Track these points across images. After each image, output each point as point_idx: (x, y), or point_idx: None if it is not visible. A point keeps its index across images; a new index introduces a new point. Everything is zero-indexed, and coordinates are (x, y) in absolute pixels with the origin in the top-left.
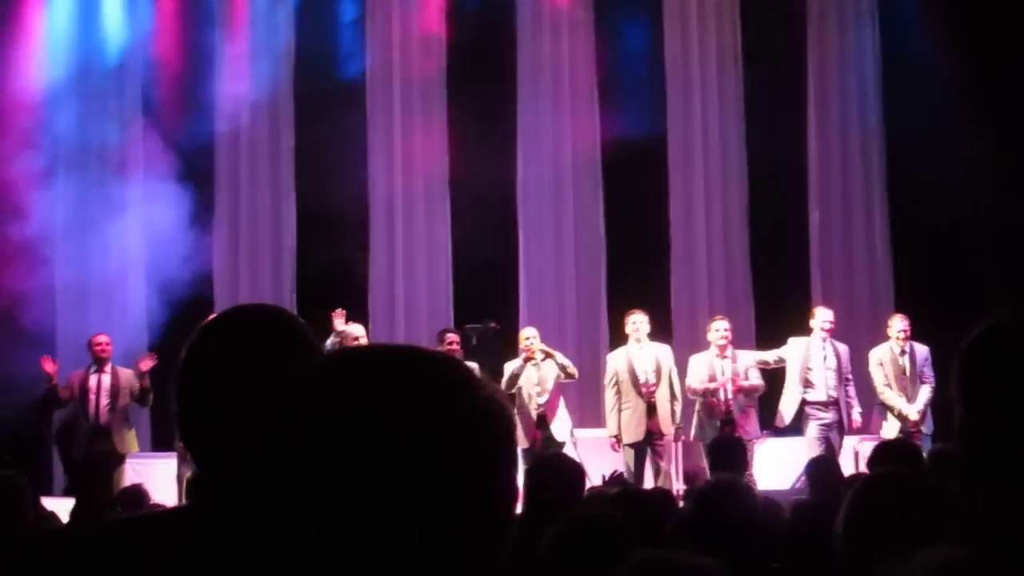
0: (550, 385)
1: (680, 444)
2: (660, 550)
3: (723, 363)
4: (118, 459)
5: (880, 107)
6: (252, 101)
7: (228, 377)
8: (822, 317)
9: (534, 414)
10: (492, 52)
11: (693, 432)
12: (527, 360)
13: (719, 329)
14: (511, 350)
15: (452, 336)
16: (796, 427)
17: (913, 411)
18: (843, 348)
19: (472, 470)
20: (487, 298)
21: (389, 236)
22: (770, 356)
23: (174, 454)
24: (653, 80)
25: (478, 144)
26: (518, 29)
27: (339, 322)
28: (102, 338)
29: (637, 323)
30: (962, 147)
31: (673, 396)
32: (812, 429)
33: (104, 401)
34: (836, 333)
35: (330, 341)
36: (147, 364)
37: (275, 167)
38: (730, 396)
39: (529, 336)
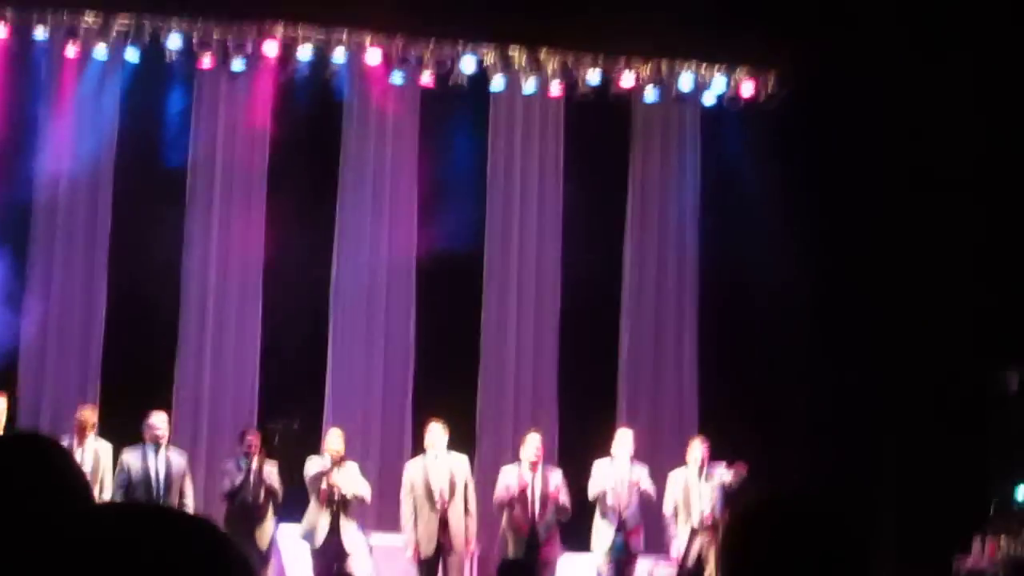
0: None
1: (474, 560)
2: None
3: (535, 477)
4: None
5: (698, 229)
6: (72, 178)
7: None
8: (626, 441)
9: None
10: (316, 151)
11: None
12: (334, 464)
13: (533, 443)
14: (313, 448)
15: (250, 437)
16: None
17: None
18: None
19: None
20: (294, 394)
21: (199, 326)
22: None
23: None
24: (474, 190)
25: (296, 240)
26: (343, 130)
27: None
28: None
29: (434, 433)
30: (777, 273)
31: (467, 511)
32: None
33: None
34: (638, 453)
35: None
36: None
37: (90, 248)
38: (538, 511)
39: (335, 440)
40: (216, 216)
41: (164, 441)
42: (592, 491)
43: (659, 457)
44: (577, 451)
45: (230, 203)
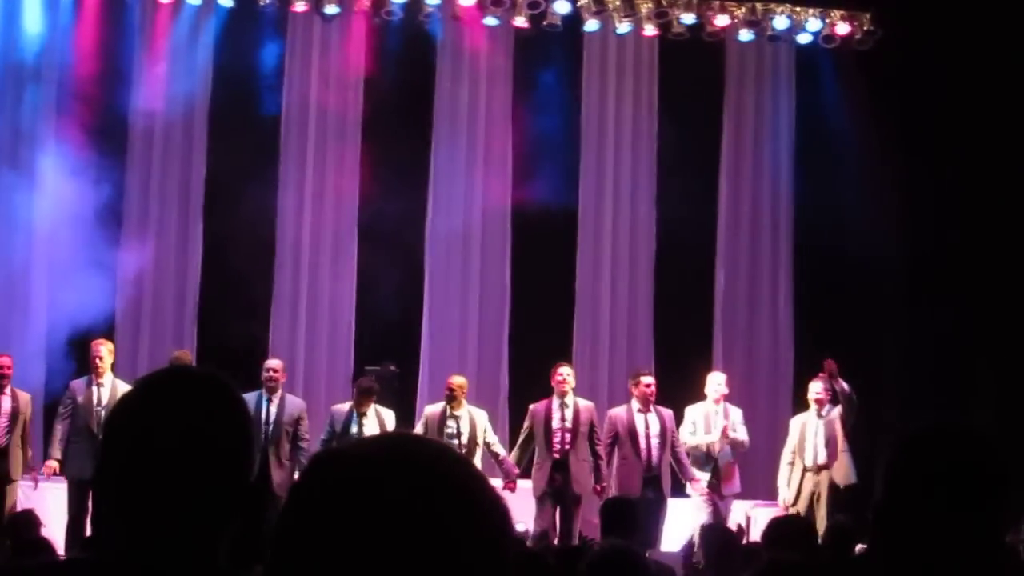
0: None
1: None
2: None
3: (647, 417)
4: (7, 481)
5: (792, 171)
6: (167, 121)
7: (153, 440)
8: (716, 382)
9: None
10: (410, 95)
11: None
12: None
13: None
14: (410, 393)
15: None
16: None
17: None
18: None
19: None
20: (390, 341)
21: (294, 273)
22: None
23: (64, 480)
24: (568, 132)
25: (390, 186)
26: (437, 74)
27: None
28: (5, 360)
29: (567, 378)
30: (871, 213)
31: (586, 455)
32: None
33: (3, 423)
34: (732, 397)
35: None
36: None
37: (184, 194)
38: (654, 449)
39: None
40: (310, 162)
41: (279, 387)
42: (686, 435)
43: (754, 400)
44: (672, 395)
45: (324, 149)
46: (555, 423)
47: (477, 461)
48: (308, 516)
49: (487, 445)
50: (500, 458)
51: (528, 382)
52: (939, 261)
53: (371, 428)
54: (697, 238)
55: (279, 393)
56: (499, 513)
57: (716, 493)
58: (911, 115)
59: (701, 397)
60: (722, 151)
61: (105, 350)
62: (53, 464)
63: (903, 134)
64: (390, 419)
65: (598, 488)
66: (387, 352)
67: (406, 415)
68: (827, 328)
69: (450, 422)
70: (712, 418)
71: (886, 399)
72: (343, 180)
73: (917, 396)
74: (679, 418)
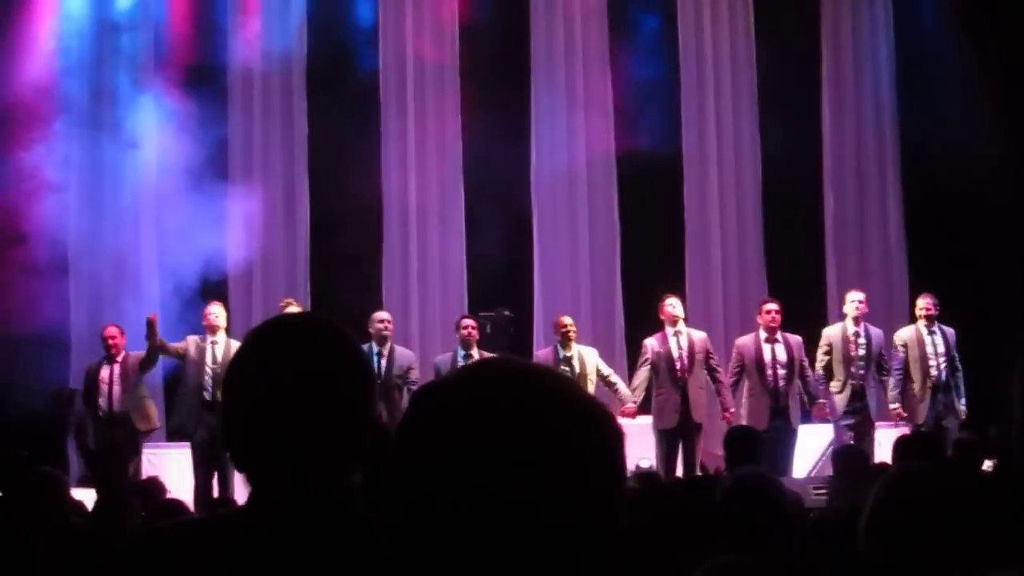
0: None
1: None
2: (728, 557)
3: (773, 346)
4: (135, 448)
5: (893, 90)
6: (265, 73)
7: (274, 390)
8: (853, 299)
9: None
10: (507, 40)
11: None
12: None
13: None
14: (527, 336)
15: (468, 322)
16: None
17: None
18: (876, 332)
19: (594, 477)
20: (501, 287)
21: (402, 224)
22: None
23: (188, 445)
24: (666, 65)
25: (492, 132)
26: (532, 16)
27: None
28: (112, 330)
29: (676, 308)
30: (975, 131)
31: (707, 383)
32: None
33: (116, 390)
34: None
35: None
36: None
37: (288, 150)
38: (781, 376)
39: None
40: (411, 113)
41: (389, 339)
42: (820, 355)
43: (872, 319)
44: (792, 319)
45: (424, 99)
46: (674, 353)
47: None
48: (416, 444)
49: (602, 377)
50: (615, 387)
51: (643, 318)
52: None
53: None
54: (803, 164)
55: (389, 345)
56: (609, 425)
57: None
58: (1011, 30)
59: (822, 319)
60: (822, 76)
61: (218, 309)
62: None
63: (1003, 49)
64: None
65: (728, 415)
66: (500, 298)
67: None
68: (939, 244)
69: (562, 364)
70: (850, 339)
71: (999, 320)
72: (445, 130)
73: None
74: (816, 340)
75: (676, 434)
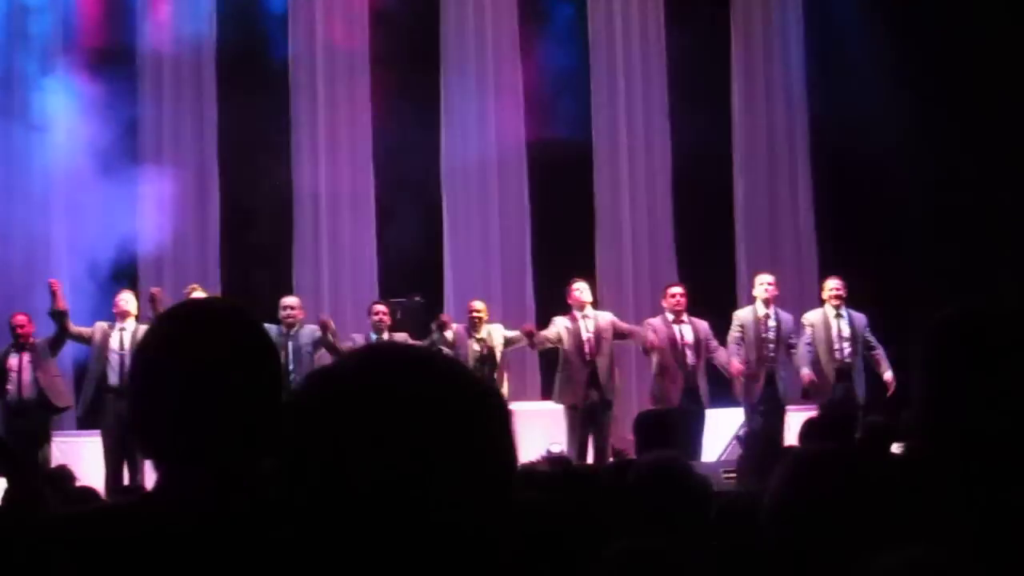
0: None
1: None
2: (637, 540)
3: (682, 328)
4: (46, 435)
5: (803, 76)
6: (175, 59)
7: (180, 375)
8: (763, 282)
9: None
10: (418, 25)
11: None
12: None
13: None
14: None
15: (379, 308)
16: (722, 397)
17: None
18: (785, 316)
19: (487, 454)
20: (413, 274)
21: (314, 211)
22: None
23: (98, 433)
24: (577, 53)
25: (403, 119)
26: (442, 2)
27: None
28: (21, 318)
29: (583, 292)
30: (885, 116)
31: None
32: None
33: (26, 378)
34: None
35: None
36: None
37: (198, 131)
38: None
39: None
40: (322, 100)
41: (297, 323)
42: (734, 337)
43: (782, 305)
44: (701, 304)
45: (334, 85)
46: (583, 334)
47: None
48: (309, 430)
49: (508, 341)
50: (519, 341)
51: (553, 303)
52: (954, 156)
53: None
54: (713, 151)
55: (296, 328)
56: (496, 402)
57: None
58: (921, 15)
59: (732, 303)
60: (733, 63)
61: (128, 296)
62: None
63: (913, 35)
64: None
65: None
66: (411, 285)
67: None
68: (848, 230)
69: (475, 344)
70: (761, 321)
71: (911, 299)
72: (356, 117)
73: (943, 294)
74: (726, 323)
75: (586, 418)
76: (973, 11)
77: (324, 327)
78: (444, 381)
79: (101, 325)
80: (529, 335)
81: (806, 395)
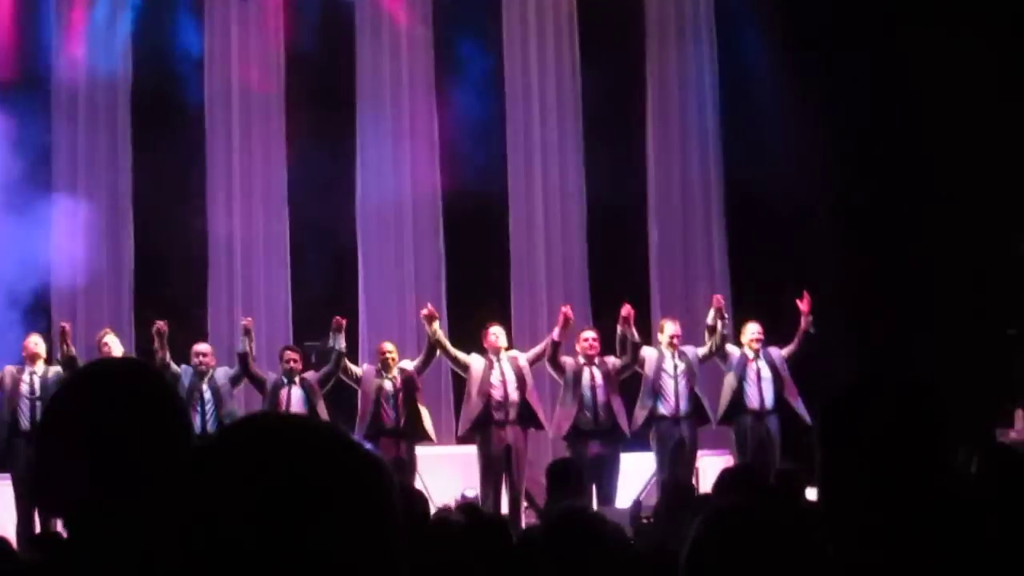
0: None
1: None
2: None
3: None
4: None
5: (718, 121)
6: (90, 97)
7: (87, 436)
8: (669, 331)
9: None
10: (333, 69)
11: None
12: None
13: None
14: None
15: (291, 354)
16: (641, 441)
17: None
18: (691, 352)
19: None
20: (327, 316)
21: (228, 256)
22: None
23: (8, 477)
24: (492, 99)
25: (318, 163)
26: (357, 46)
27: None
28: None
29: (499, 337)
30: (798, 161)
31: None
32: (658, 444)
33: None
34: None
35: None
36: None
37: (112, 181)
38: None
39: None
40: (236, 141)
41: (209, 370)
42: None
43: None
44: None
45: (250, 127)
46: (493, 378)
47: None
48: (193, 511)
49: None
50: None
51: (469, 348)
52: (866, 203)
53: (296, 395)
54: (628, 198)
55: (209, 374)
56: (380, 472)
57: None
58: (833, 62)
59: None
60: (647, 110)
61: (37, 339)
62: None
63: (825, 80)
64: (313, 379)
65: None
66: (325, 328)
67: (347, 387)
68: (763, 277)
69: (386, 383)
70: (667, 360)
71: (824, 345)
72: (271, 159)
73: (854, 338)
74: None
75: (500, 462)
76: (885, 51)
77: (246, 331)
78: (322, 454)
79: (10, 369)
80: (429, 319)
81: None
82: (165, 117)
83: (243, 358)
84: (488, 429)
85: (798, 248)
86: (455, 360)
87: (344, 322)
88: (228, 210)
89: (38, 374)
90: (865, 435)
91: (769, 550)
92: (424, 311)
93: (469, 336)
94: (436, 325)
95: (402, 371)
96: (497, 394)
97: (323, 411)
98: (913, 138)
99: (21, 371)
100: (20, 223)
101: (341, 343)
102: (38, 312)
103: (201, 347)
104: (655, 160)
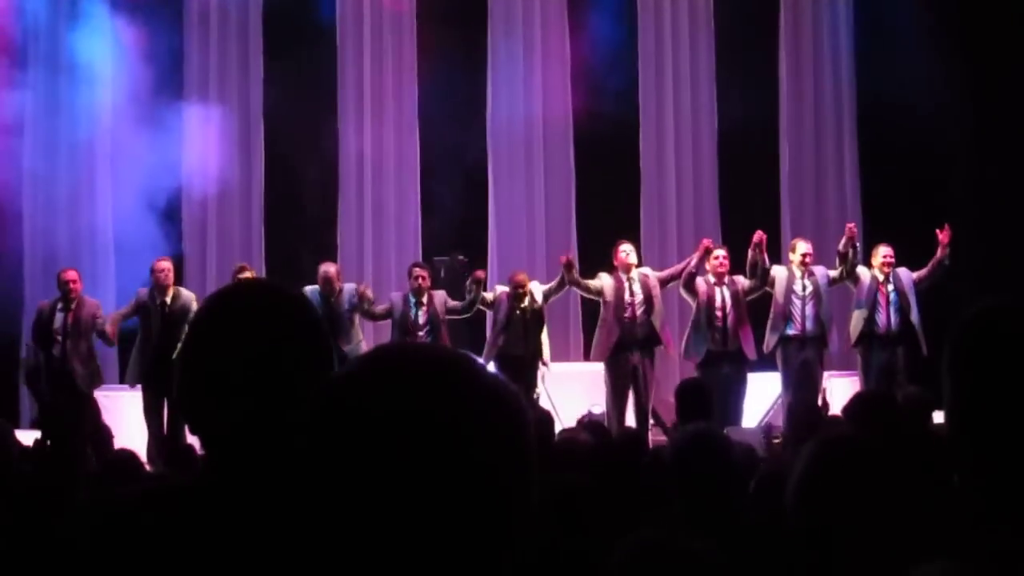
0: None
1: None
2: (654, 533)
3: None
4: (85, 399)
5: (851, 39)
6: (222, 9)
7: (231, 357)
8: (801, 250)
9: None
10: None
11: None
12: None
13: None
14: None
15: (420, 271)
16: (767, 361)
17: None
18: (821, 273)
19: (500, 470)
20: (456, 233)
21: (359, 172)
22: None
23: (139, 389)
24: (625, 20)
25: (449, 82)
26: None
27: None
28: (72, 273)
29: (630, 254)
30: (931, 83)
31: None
32: (784, 365)
33: (68, 342)
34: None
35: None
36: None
37: (244, 96)
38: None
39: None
40: (368, 60)
41: (335, 291)
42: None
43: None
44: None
45: (381, 45)
46: (626, 297)
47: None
48: (328, 445)
49: (545, 294)
50: (558, 286)
51: (598, 265)
52: (1001, 131)
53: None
54: (760, 116)
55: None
56: (517, 407)
57: None
58: None
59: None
60: (780, 29)
61: (165, 266)
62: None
63: (960, 7)
64: (440, 301)
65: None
66: (455, 247)
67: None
68: (894, 195)
69: (516, 311)
70: (796, 281)
71: (956, 266)
72: (402, 77)
73: (988, 267)
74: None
75: (627, 380)
76: None
77: (361, 297)
78: (462, 389)
79: (144, 293)
80: (568, 267)
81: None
82: (297, 33)
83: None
84: (617, 349)
85: (930, 172)
86: (590, 291)
87: (483, 276)
88: (359, 128)
89: (169, 297)
90: (995, 363)
91: (872, 492)
92: (563, 258)
93: (600, 254)
94: (575, 273)
95: (532, 301)
96: (627, 314)
97: (445, 338)
98: None
99: (153, 294)
100: (153, 131)
101: (480, 295)
102: (172, 217)
103: (328, 268)
104: (788, 83)
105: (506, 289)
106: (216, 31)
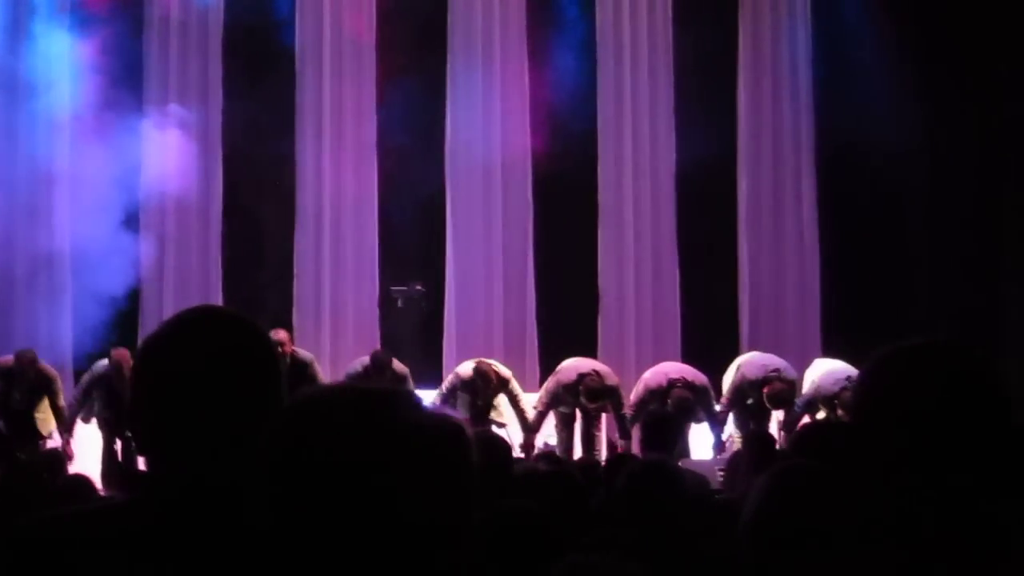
0: None
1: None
2: (587, 555)
3: None
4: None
5: (810, 75)
6: (182, 24)
7: (183, 378)
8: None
9: None
10: (425, 18)
11: None
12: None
13: None
14: (438, 312)
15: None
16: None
17: None
18: None
19: (442, 480)
20: (414, 261)
21: (316, 196)
22: None
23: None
24: (584, 53)
25: (409, 111)
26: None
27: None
28: (281, 335)
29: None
30: (891, 116)
31: None
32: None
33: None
34: (759, 299)
35: None
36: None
37: (203, 133)
38: None
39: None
40: (327, 87)
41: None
42: None
43: (781, 302)
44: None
45: (341, 72)
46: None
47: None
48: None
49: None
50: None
51: (555, 289)
52: (962, 164)
53: None
54: (718, 152)
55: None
56: (458, 436)
57: None
58: (930, 17)
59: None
60: (739, 63)
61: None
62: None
63: (920, 37)
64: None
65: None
66: (413, 276)
67: (432, 336)
68: (852, 232)
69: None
70: None
71: (913, 300)
72: (361, 106)
73: (946, 297)
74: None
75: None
76: (984, 14)
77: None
78: (408, 420)
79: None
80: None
81: None
82: (257, 56)
83: None
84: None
85: (889, 208)
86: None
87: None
88: (317, 153)
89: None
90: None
91: (825, 523)
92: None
93: (557, 274)
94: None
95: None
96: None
97: None
98: (1014, 92)
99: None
100: (110, 144)
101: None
102: (130, 227)
103: (279, 335)
104: (746, 118)
105: (470, 373)
106: (176, 46)
